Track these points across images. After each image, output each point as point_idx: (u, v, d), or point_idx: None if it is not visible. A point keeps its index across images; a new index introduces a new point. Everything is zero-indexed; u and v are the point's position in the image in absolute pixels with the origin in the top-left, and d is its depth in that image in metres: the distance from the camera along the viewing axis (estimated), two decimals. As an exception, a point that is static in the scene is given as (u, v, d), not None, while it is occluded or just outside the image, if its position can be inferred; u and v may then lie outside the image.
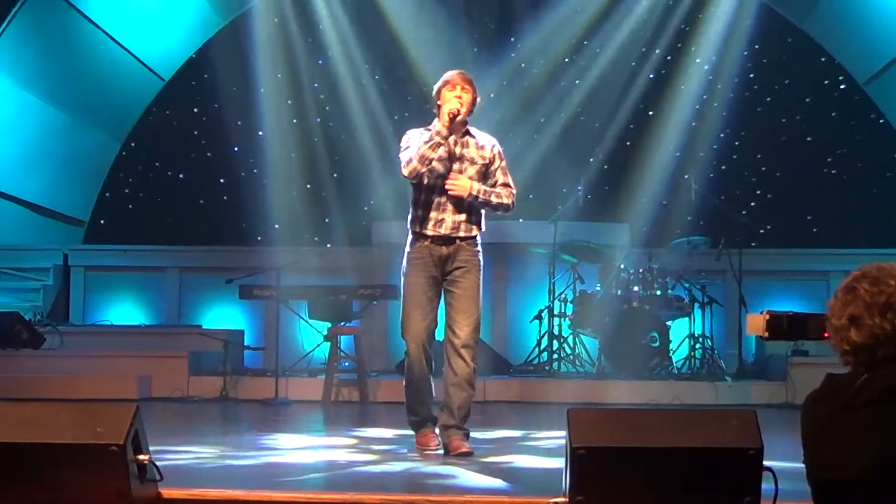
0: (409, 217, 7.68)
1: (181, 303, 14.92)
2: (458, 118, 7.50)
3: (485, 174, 7.67)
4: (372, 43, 15.40)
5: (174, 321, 14.64)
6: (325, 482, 6.69)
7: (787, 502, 5.10)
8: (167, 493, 5.47)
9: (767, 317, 4.32)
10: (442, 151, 7.48)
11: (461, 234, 7.60)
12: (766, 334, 4.33)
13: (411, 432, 7.87)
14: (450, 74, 7.63)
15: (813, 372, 11.67)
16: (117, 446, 5.03)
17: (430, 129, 7.59)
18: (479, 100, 7.71)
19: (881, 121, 15.55)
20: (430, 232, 7.54)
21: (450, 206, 7.56)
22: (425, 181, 7.52)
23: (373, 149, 15.04)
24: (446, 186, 7.52)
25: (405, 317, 7.57)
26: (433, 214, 7.55)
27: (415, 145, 7.50)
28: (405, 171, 7.48)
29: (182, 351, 12.50)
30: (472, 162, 7.64)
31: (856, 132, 15.55)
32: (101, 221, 16.01)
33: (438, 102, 7.59)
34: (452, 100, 7.50)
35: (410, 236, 7.64)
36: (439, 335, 7.75)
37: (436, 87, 7.63)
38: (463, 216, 7.59)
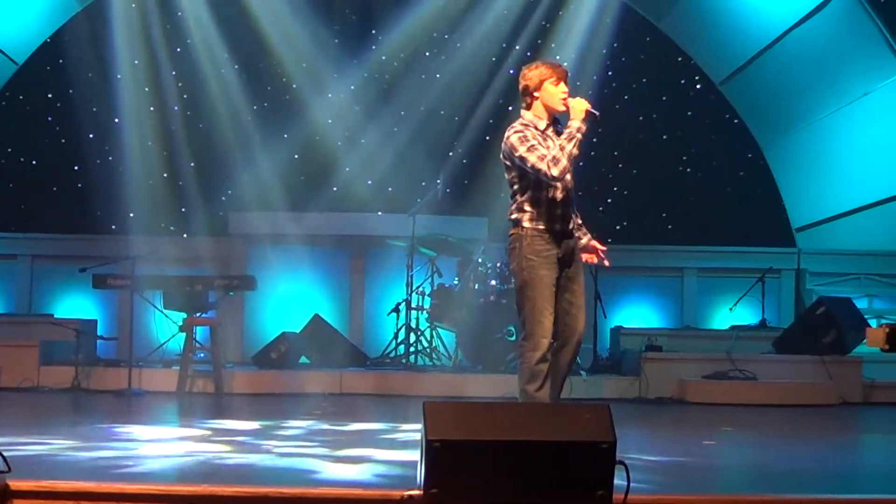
0: (527, 214, 7.46)
1: (33, 291, 14.64)
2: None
3: None
4: (232, 31, 15.25)
5: (25, 310, 14.36)
6: (178, 474, 6.61)
7: (639, 496, 5.18)
8: (15, 484, 5.36)
9: (887, 330, 4.37)
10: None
11: (574, 229, 7.55)
12: (887, 346, 4.38)
13: (267, 422, 7.77)
14: (554, 67, 7.51)
15: (666, 367, 12.01)
16: (-37, 437, 4.94)
17: (529, 124, 7.43)
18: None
19: (735, 121, 15.86)
20: (557, 227, 7.39)
21: (568, 204, 7.47)
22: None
23: (231, 138, 14.94)
24: (571, 103, 7.40)
25: (539, 314, 7.22)
26: (558, 212, 7.40)
27: (538, 144, 7.33)
28: (556, 172, 7.19)
29: (33, 340, 12.28)
30: None
31: (711, 131, 15.85)
32: (-49, 207, 15.65)
33: (536, 94, 7.44)
34: (561, 96, 7.43)
35: (531, 232, 7.41)
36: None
37: (534, 77, 7.43)
38: (573, 211, 7.53)
